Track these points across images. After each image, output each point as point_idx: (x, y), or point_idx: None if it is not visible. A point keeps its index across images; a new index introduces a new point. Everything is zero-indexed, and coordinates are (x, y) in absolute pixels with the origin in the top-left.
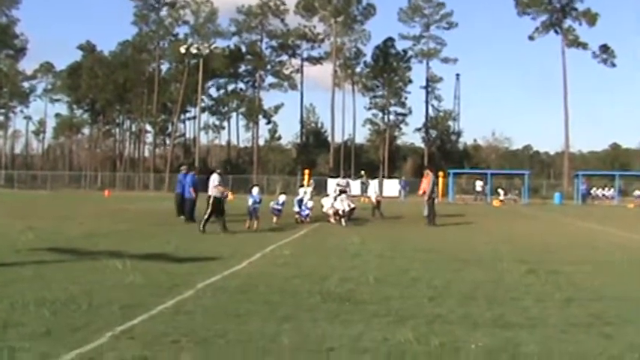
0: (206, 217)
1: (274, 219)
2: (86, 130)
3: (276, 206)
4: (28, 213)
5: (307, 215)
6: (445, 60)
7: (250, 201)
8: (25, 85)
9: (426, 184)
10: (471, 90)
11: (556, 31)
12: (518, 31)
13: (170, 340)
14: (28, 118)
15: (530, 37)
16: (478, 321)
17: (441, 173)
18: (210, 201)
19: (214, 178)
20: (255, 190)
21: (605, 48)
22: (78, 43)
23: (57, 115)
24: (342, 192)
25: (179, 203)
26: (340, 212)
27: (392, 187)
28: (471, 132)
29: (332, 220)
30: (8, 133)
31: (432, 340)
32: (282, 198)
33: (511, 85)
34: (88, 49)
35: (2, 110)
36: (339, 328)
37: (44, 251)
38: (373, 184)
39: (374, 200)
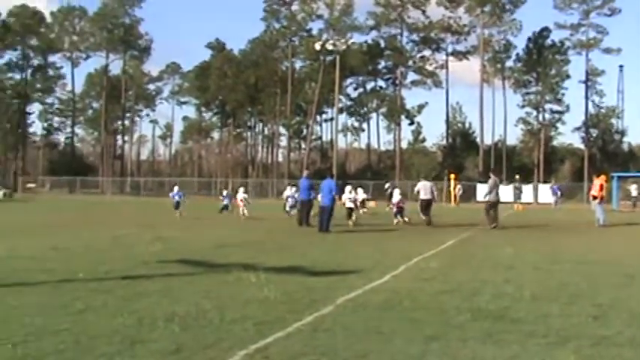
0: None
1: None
2: (216, 134)
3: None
4: (156, 222)
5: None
6: (607, 50)
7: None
8: (151, 87)
9: (598, 188)
10: (636, 84)
11: None
12: None
13: None
14: (154, 122)
15: None
16: None
17: (603, 177)
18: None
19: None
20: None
21: None
22: (205, 42)
23: (184, 118)
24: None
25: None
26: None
27: (547, 193)
28: (638, 130)
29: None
30: (134, 138)
31: None
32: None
33: None
34: (218, 47)
35: (127, 114)
36: (491, 349)
37: (173, 263)
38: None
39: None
